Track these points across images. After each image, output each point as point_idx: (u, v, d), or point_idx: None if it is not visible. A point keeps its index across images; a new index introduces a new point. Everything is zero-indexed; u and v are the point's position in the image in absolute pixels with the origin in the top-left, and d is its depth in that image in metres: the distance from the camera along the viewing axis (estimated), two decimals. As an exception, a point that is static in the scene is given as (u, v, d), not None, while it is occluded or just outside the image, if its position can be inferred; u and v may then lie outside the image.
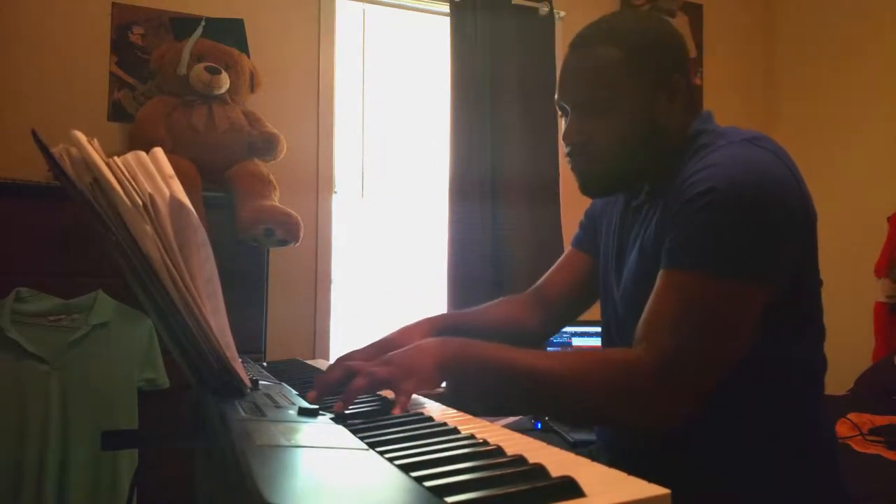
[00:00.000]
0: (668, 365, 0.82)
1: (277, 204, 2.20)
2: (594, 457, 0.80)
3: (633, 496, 0.44)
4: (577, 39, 1.01)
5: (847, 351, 2.40)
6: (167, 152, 0.82)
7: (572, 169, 1.04)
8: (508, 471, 0.48)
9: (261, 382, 0.88)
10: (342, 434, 0.63)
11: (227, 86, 2.29)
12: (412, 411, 0.76)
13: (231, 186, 2.22)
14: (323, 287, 2.73)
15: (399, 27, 3.00)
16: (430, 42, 3.02)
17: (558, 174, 2.93)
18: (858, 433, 1.87)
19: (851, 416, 2.00)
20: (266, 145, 2.33)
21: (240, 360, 0.84)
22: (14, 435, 1.81)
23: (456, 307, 2.70)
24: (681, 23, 3.36)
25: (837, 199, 3.06)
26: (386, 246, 2.92)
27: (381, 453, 0.55)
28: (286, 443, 0.56)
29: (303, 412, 0.71)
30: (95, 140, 0.72)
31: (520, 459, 0.52)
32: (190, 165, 2.13)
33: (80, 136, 0.70)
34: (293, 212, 2.18)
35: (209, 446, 0.75)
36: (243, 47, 2.42)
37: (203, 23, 2.35)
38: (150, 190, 0.71)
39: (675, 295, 0.85)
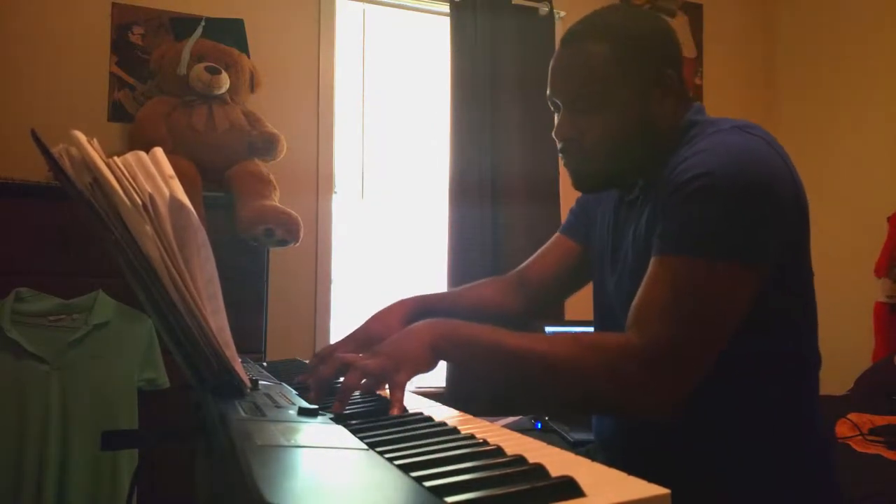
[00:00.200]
0: (660, 350, 0.82)
1: (277, 204, 2.20)
2: (591, 455, 0.80)
3: (633, 496, 0.44)
4: (568, 35, 1.01)
5: (847, 351, 2.40)
6: (167, 152, 0.82)
7: (565, 165, 1.04)
8: (508, 471, 0.48)
9: (261, 382, 0.88)
10: (342, 434, 0.63)
11: (227, 86, 2.29)
12: (412, 411, 0.76)
13: (231, 186, 2.22)
14: (323, 287, 2.73)
15: (399, 27, 3.00)
16: (430, 42, 3.02)
17: (558, 174, 2.93)
18: (858, 433, 1.87)
19: (851, 416, 2.00)
20: (266, 145, 2.33)
21: (240, 360, 0.84)
22: (14, 435, 1.81)
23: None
24: (681, 23, 3.36)
25: (837, 199, 3.06)
26: (386, 246, 2.92)
27: (381, 453, 0.55)
28: (286, 443, 0.56)
29: (303, 412, 0.71)
30: (95, 140, 0.72)
31: (520, 459, 0.52)
32: (190, 165, 2.14)
33: (80, 136, 0.70)
34: (293, 212, 2.18)
35: (209, 446, 0.75)
36: (243, 47, 2.42)
37: (203, 23, 2.35)
38: (150, 190, 0.71)
39: (667, 280, 0.85)
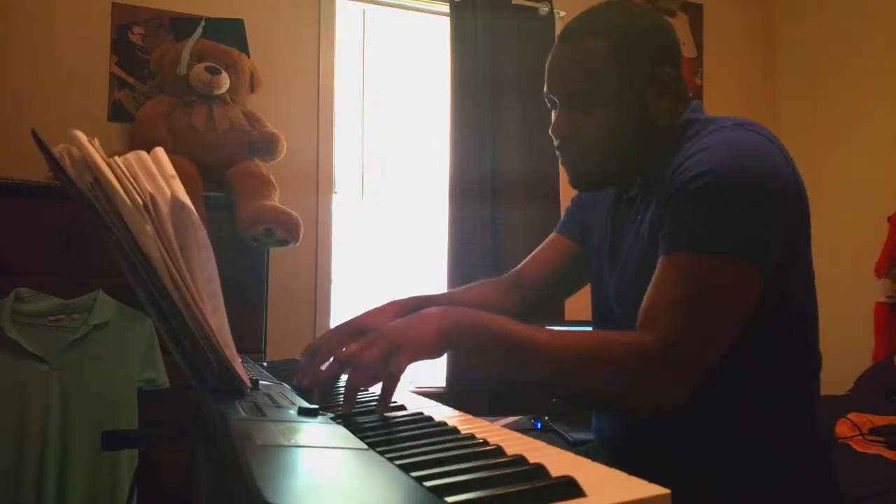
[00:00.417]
0: (672, 346, 0.82)
1: (277, 204, 2.20)
2: (591, 455, 0.80)
3: (633, 496, 0.44)
4: (565, 32, 1.01)
5: (847, 351, 2.40)
6: (167, 152, 0.82)
7: (562, 163, 1.04)
8: (508, 471, 0.48)
9: (261, 382, 0.88)
10: (342, 434, 0.63)
11: (227, 86, 2.29)
12: (412, 411, 0.76)
13: (231, 186, 2.22)
14: (323, 287, 2.73)
15: (399, 27, 3.00)
16: (430, 42, 3.02)
17: (558, 174, 2.93)
18: (858, 433, 1.87)
19: (851, 416, 2.00)
20: (266, 145, 2.33)
21: (240, 359, 0.84)
22: (14, 435, 1.81)
23: (456, 307, 2.70)
24: (681, 23, 3.36)
25: (837, 199, 3.06)
26: (386, 246, 2.92)
27: (381, 453, 0.55)
28: (286, 443, 0.56)
29: (303, 412, 0.71)
30: (96, 140, 0.72)
31: (520, 459, 0.52)
32: (190, 165, 2.14)
33: (81, 136, 0.70)
34: (293, 212, 2.18)
35: (209, 446, 0.75)
36: (243, 47, 2.42)
37: (203, 23, 2.35)
38: (150, 190, 0.71)
39: (675, 278, 0.85)
